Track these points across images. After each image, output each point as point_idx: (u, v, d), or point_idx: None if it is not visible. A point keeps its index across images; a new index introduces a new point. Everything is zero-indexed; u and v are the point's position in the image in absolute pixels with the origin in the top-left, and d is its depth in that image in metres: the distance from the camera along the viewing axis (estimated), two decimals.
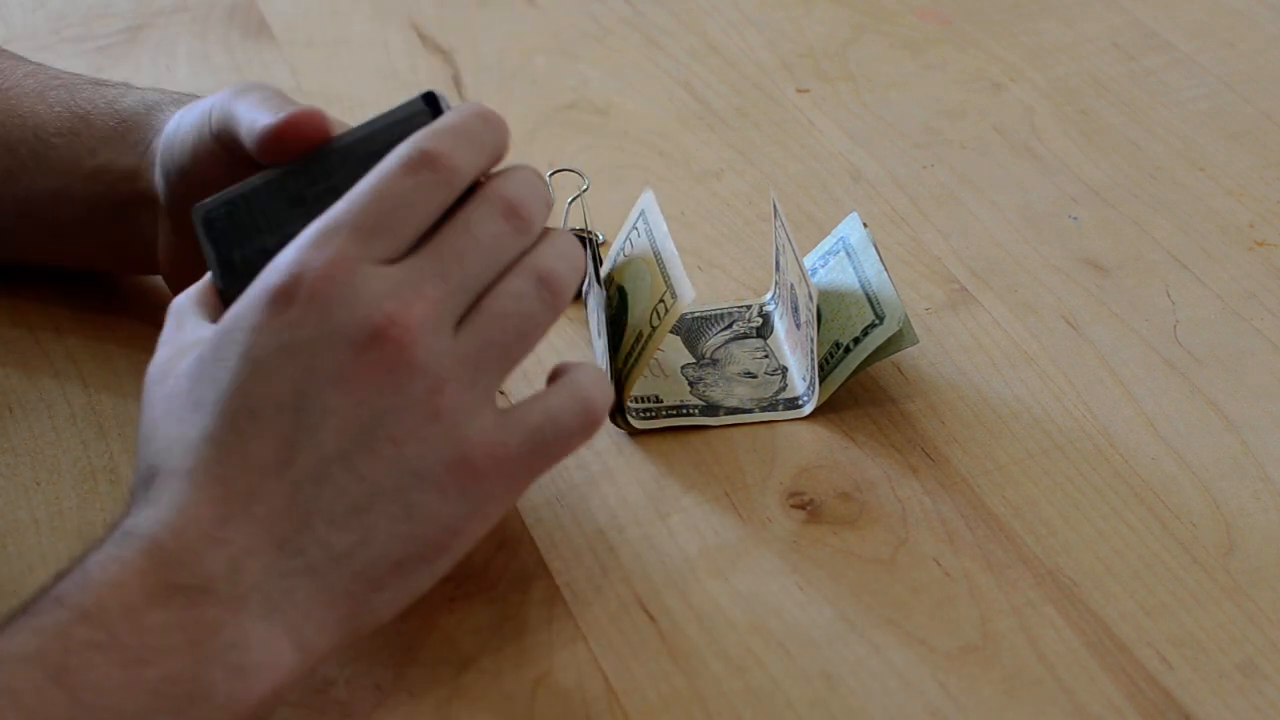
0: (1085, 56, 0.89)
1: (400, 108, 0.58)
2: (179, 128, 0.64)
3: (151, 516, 0.49)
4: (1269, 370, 0.68)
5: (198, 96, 0.67)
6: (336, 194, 0.53)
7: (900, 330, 0.64)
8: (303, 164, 0.58)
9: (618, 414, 0.65)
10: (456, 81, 0.88)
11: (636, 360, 0.64)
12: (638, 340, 0.63)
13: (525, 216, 0.54)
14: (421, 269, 0.52)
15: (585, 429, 0.54)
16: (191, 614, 0.48)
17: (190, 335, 0.54)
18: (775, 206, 0.67)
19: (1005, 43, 0.90)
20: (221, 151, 0.61)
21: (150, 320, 0.70)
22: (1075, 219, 0.77)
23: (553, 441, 0.53)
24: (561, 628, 0.58)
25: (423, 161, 0.53)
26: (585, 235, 0.69)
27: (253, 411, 0.50)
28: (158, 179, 0.64)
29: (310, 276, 0.50)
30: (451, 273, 0.52)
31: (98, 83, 0.71)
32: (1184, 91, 0.86)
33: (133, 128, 0.67)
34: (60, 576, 0.48)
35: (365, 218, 0.52)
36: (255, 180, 0.58)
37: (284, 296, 0.50)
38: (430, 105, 0.58)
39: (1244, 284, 0.73)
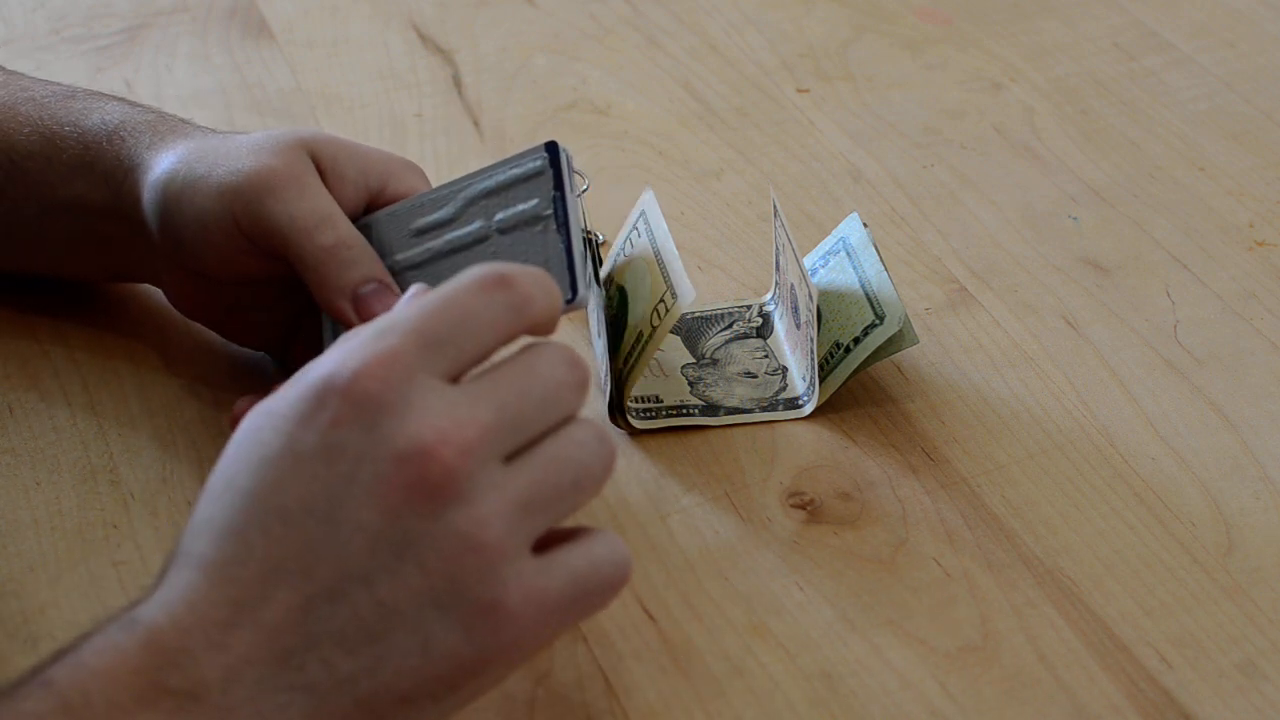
0: (1085, 56, 0.89)
1: (523, 155, 0.60)
2: (180, 202, 0.62)
3: (160, 603, 0.48)
4: (1269, 370, 0.68)
5: (159, 111, 0.67)
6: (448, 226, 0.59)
7: (900, 330, 0.64)
8: (428, 198, 0.62)
9: (618, 414, 0.65)
10: (456, 81, 0.88)
11: (637, 360, 0.64)
12: (638, 340, 0.63)
13: (585, 378, 0.51)
14: (479, 394, 0.49)
15: (622, 582, 0.51)
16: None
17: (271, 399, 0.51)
18: (775, 206, 0.67)
19: (1005, 43, 0.90)
20: (252, 247, 0.61)
21: (151, 319, 0.71)
22: (1075, 219, 0.77)
23: (594, 591, 0.50)
24: None
25: (499, 282, 0.50)
26: (585, 235, 0.69)
27: (282, 511, 0.48)
28: (153, 230, 0.64)
29: (363, 375, 0.48)
30: (509, 405, 0.49)
31: (67, 94, 0.69)
32: (1184, 91, 0.86)
33: (98, 156, 0.65)
34: (61, 654, 0.47)
35: (430, 325, 0.49)
36: (380, 213, 0.63)
37: (333, 391, 0.48)
38: (551, 153, 0.59)
39: (1244, 284, 0.73)
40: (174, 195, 0.62)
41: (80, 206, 0.66)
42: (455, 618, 0.47)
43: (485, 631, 0.48)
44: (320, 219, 0.61)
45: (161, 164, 0.63)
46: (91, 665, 0.46)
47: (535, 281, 0.51)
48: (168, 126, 0.66)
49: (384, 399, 0.48)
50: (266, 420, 0.49)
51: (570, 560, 0.49)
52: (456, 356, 0.49)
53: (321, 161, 0.62)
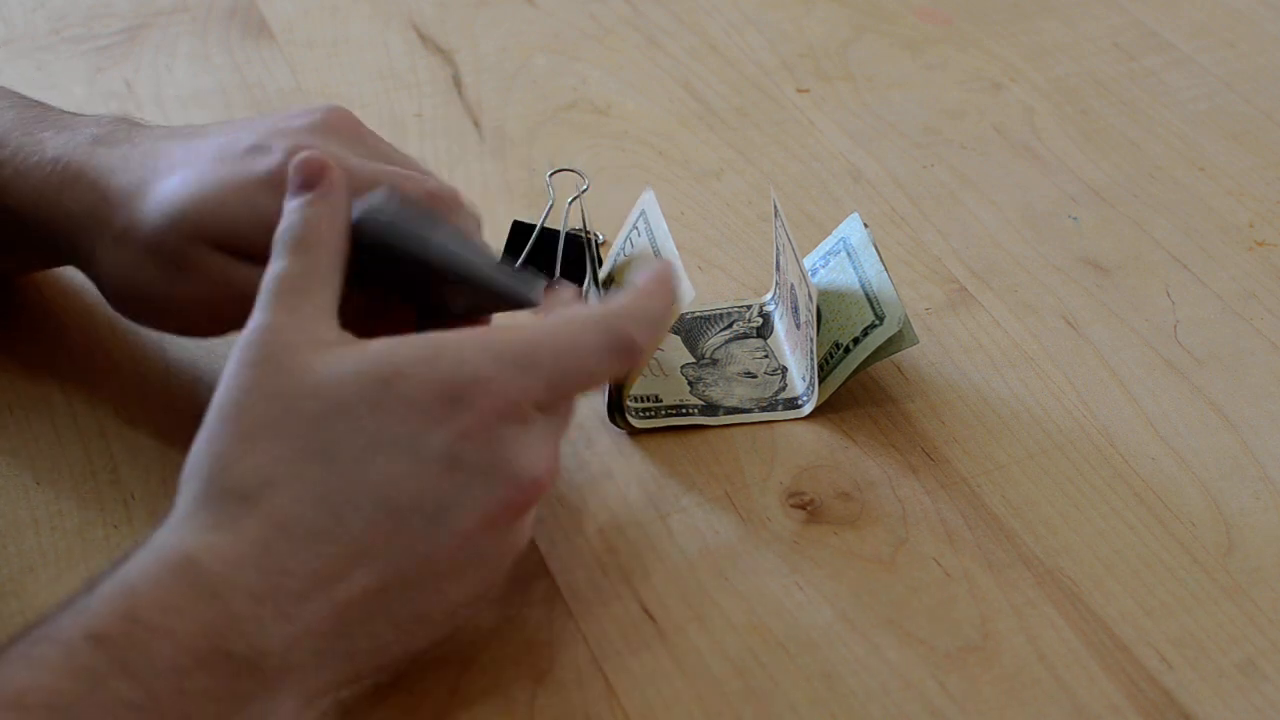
0: (1085, 56, 0.89)
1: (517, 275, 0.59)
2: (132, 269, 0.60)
3: (229, 560, 0.47)
4: (1269, 370, 0.68)
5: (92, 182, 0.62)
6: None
7: (900, 331, 0.64)
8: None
9: (617, 414, 0.65)
10: (456, 81, 0.88)
11: None
12: None
13: None
14: (558, 434, 0.53)
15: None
16: (231, 684, 0.47)
17: (333, 353, 0.51)
18: (775, 206, 0.67)
19: (1005, 43, 0.90)
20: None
21: None
22: (1075, 219, 0.77)
23: None
24: (561, 628, 0.58)
25: (627, 353, 0.54)
26: (586, 235, 0.69)
27: (390, 504, 0.49)
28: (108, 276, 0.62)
29: (500, 404, 0.50)
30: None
31: (23, 127, 0.64)
32: (1184, 91, 0.86)
33: (44, 221, 0.62)
34: (93, 587, 0.47)
35: (565, 381, 0.53)
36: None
37: (471, 405, 0.50)
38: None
39: (1244, 284, 0.73)
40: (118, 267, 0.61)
41: (41, 256, 0.67)
42: (478, 590, 0.53)
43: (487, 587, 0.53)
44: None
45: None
46: (150, 623, 0.46)
47: (651, 340, 0.55)
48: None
49: (511, 431, 0.51)
50: (387, 402, 0.49)
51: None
52: (567, 399, 0.54)
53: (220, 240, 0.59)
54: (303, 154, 0.55)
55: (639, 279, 0.57)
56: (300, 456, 0.49)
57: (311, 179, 0.54)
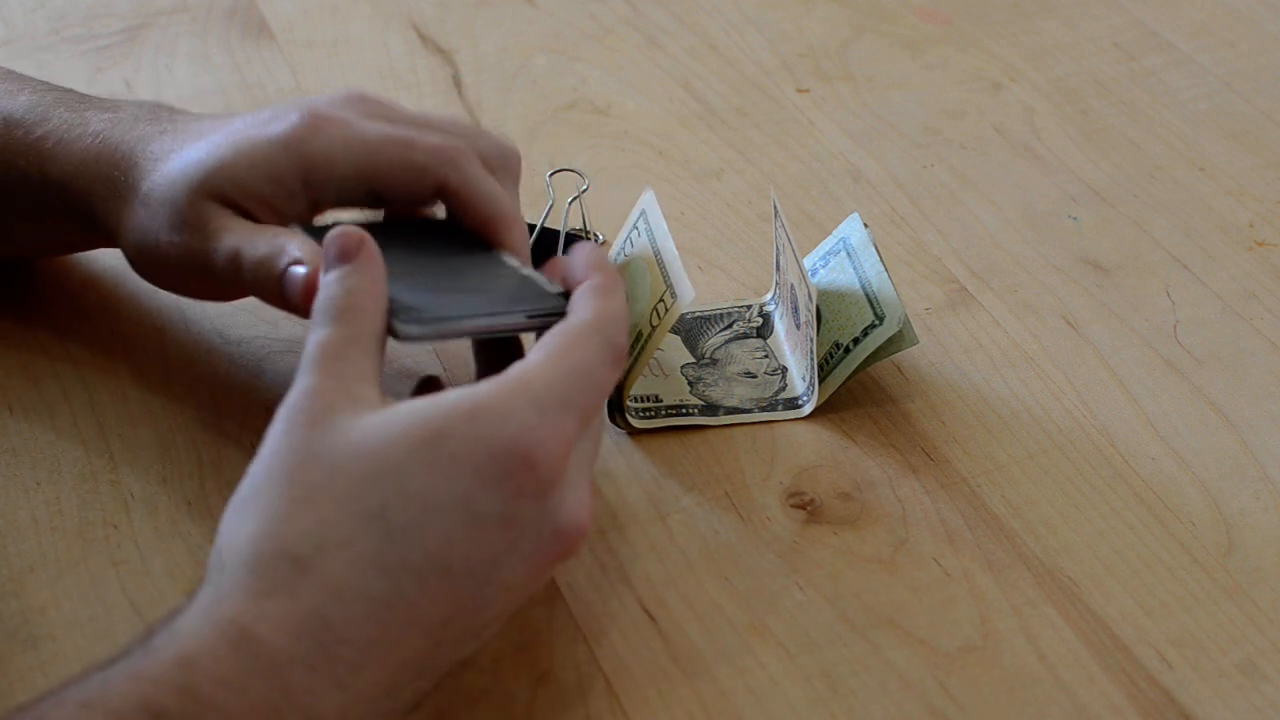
0: (1085, 56, 0.89)
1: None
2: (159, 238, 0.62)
3: (285, 630, 0.47)
4: (1269, 370, 0.68)
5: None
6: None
7: (900, 331, 0.64)
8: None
9: (618, 414, 0.65)
10: (456, 81, 0.88)
11: (636, 360, 0.64)
12: (638, 340, 0.63)
13: None
14: (590, 472, 0.54)
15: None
16: None
17: (378, 415, 0.51)
18: (775, 206, 0.67)
19: (1005, 43, 0.90)
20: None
21: (150, 319, 0.70)
22: (1075, 219, 0.77)
23: None
24: (561, 628, 0.58)
25: (618, 358, 0.54)
26: (586, 235, 0.69)
27: (446, 568, 0.49)
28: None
29: (551, 455, 0.50)
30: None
31: (67, 104, 0.66)
32: (1184, 91, 0.86)
33: (81, 190, 0.64)
34: (149, 647, 0.46)
35: (587, 405, 0.52)
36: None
37: (525, 464, 0.49)
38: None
39: (1244, 284, 0.73)
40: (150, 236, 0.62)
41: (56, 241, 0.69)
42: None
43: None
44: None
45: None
46: (209, 699, 0.45)
47: (626, 340, 0.56)
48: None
49: (558, 476, 0.51)
50: (419, 456, 0.49)
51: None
52: (590, 427, 0.54)
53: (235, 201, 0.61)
54: (339, 229, 0.55)
55: (584, 271, 0.57)
56: (352, 520, 0.48)
57: (349, 252, 0.54)
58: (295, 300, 0.57)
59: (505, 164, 0.63)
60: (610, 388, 0.54)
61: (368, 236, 0.55)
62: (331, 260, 0.54)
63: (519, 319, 0.57)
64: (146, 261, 0.63)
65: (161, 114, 0.65)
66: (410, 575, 0.48)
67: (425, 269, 0.59)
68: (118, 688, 0.45)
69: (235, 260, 0.59)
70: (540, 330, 0.56)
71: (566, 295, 0.58)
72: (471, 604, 0.49)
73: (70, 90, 0.68)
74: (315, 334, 0.53)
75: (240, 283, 0.59)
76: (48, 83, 0.69)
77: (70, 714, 0.45)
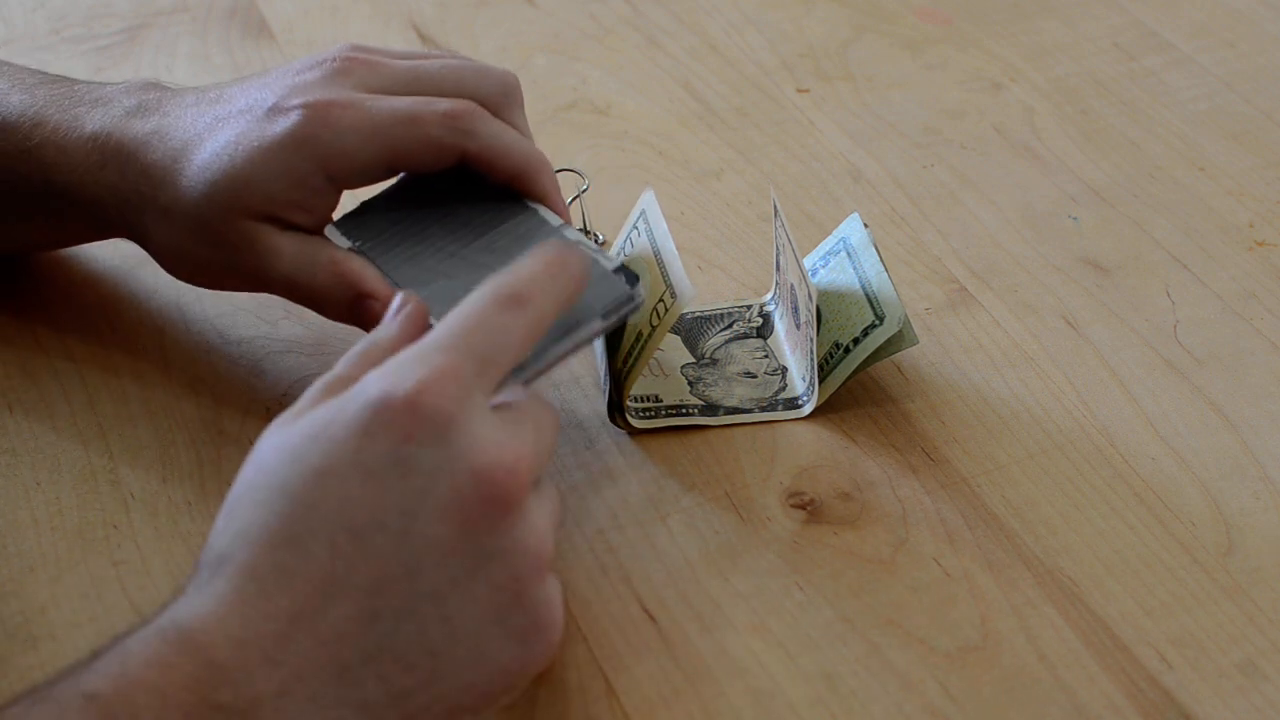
0: (1085, 56, 0.89)
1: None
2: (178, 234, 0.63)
3: (206, 611, 0.47)
4: (1269, 370, 0.68)
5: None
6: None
7: (900, 331, 0.64)
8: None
9: (618, 414, 0.65)
10: None
11: (636, 360, 0.64)
12: (638, 340, 0.63)
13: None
14: (521, 428, 0.51)
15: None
16: None
17: (316, 413, 0.51)
18: (775, 206, 0.67)
19: (1005, 43, 0.90)
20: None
21: (150, 320, 0.71)
22: (1075, 219, 0.77)
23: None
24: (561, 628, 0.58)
25: (516, 301, 0.52)
26: (586, 235, 0.69)
27: (350, 524, 0.48)
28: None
29: (430, 391, 0.48)
30: (543, 444, 0.52)
31: (58, 104, 0.66)
32: (1184, 91, 0.86)
33: (91, 197, 0.65)
34: (97, 655, 0.46)
35: (478, 347, 0.50)
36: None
37: (398, 407, 0.48)
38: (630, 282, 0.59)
39: (1244, 284, 0.73)
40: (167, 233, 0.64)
41: (61, 231, 0.69)
42: (512, 631, 0.49)
43: (538, 643, 0.50)
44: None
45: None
46: (138, 679, 0.45)
47: (544, 291, 0.53)
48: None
49: (453, 415, 0.48)
50: (310, 433, 0.49)
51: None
52: (496, 375, 0.51)
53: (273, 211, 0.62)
54: (409, 307, 0.55)
55: None
56: (261, 507, 0.48)
57: (416, 330, 0.55)
58: (367, 326, 0.60)
59: (509, 98, 0.64)
60: (510, 329, 0.51)
61: (427, 310, 0.56)
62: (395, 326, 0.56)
63: (595, 323, 0.57)
64: (179, 266, 0.65)
65: (150, 103, 0.65)
66: (317, 540, 0.47)
67: (468, 262, 0.60)
68: (62, 681, 0.46)
69: (291, 283, 0.62)
70: (619, 326, 0.57)
71: (623, 269, 0.57)
72: (396, 563, 0.48)
73: (58, 80, 0.68)
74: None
75: (296, 299, 0.63)
76: (36, 72, 0.69)
77: (19, 708, 0.45)
